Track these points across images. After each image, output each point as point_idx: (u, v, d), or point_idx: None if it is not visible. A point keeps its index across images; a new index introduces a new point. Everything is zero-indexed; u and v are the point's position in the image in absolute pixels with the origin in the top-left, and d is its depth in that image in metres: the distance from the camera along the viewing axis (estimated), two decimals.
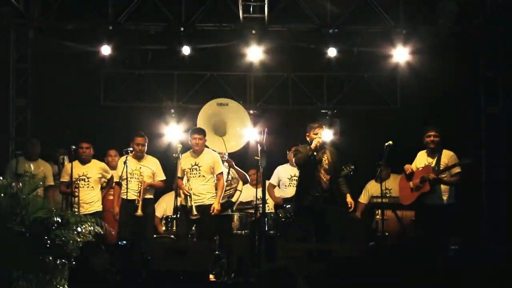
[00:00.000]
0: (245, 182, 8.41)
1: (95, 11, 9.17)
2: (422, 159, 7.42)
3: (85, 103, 9.67)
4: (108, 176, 8.11)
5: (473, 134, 9.20)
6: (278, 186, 8.61)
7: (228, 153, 8.20)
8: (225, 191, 8.07)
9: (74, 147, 7.80)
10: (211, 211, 7.53)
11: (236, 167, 8.26)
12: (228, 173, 8.16)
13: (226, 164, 8.10)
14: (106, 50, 9.06)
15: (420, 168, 7.35)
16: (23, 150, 8.37)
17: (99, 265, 5.14)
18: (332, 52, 9.18)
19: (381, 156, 7.38)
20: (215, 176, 7.71)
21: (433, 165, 7.26)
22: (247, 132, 8.35)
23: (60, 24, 9.24)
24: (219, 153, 7.97)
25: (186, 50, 9.11)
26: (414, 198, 7.32)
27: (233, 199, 8.32)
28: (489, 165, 9.08)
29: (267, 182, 8.21)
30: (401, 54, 9.13)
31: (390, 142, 7.22)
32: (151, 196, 7.97)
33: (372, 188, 8.71)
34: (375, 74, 9.88)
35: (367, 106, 9.98)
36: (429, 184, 7.16)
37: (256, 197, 7.83)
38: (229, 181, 8.18)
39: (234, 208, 8.32)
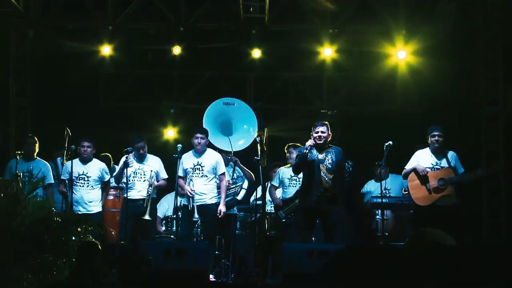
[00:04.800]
0: (250, 180, 8.40)
1: (95, 11, 9.17)
2: (426, 159, 7.43)
3: (85, 103, 9.68)
4: (106, 179, 8.08)
5: (473, 134, 9.19)
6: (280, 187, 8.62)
7: (234, 152, 8.18)
8: (230, 188, 8.07)
9: (74, 146, 7.79)
10: (218, 214, 7.53)
11: (241, 165, 8.26)
12: (234, 171, 8.16)
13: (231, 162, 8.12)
14: (106, 50, 9.08)
15: (436, 170, 7.35)
16: (22, 150, 8.36)
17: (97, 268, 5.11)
18: (330, 52, 9.18)
19: (381, 156, 7.38)
20: (217, 176, 7.71)
21: (450, 167, 7.30)
22: (254, 131, 8.33)
23: (60, 24, 9.25)
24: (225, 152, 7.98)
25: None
26: (433, 200, 7.31)
27: (238, 197, 8.32)
28: (489, 165, 9.07)
29: (268, 184, 8.22)
30: (400, 54, 9.14)
31: (390, 142, 7.23)
32: (154, 196, 7.98)
33: (372, 188, 8.71)
34: (375, 74, 9.87)
35: (367, 106, 9.97)
36: (452, 187, 7.23)
37: (256, 197, 7.84)
38: (234, 179, 8.18)
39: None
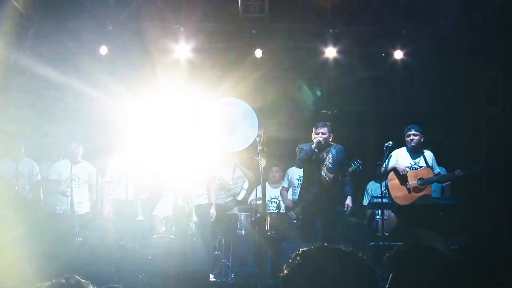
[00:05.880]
0: (251, 180, 8.39)
1: (95, 11, 9.17)
2: (403, 158, 7.42)
3: (85, 103, 9.66)
4: (92, 182, 8.06)
5: (473, 134, 9.20)
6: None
7: (234, 152, 8.20)
8: (231, 189, 8.08)
9: (73, 147, 7.81)
10: (210, 217, 7.55)
11: (241, 166, 8.26)
12: (234, 171, 8.16)
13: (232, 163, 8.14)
14: (106, 50, 9.08)
15: (416, 169, 7.35)
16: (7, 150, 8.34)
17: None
18: (330, 52, 9.20)
19: (382, 156, 7.38)
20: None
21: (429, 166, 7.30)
22: (254, 131, 8.35)
23: (60, 23, 9.24)
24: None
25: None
26: (413, 199, 7.30)
27: (239, 198, 8.32)
28: (489, 165, 9.08)
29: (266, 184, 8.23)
30: (400, 54, 9.15)
31: (390, 142, 7.23)
32: (143, 196, 7.96)
33: (372, 189, 8.72)
34: (375, 74, 9.87)
35: (367, 106, 9.97)
36: (431, 186, 7.22)
37: (256, 197, 7.84)
38: (234, 180, 8.19)
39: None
